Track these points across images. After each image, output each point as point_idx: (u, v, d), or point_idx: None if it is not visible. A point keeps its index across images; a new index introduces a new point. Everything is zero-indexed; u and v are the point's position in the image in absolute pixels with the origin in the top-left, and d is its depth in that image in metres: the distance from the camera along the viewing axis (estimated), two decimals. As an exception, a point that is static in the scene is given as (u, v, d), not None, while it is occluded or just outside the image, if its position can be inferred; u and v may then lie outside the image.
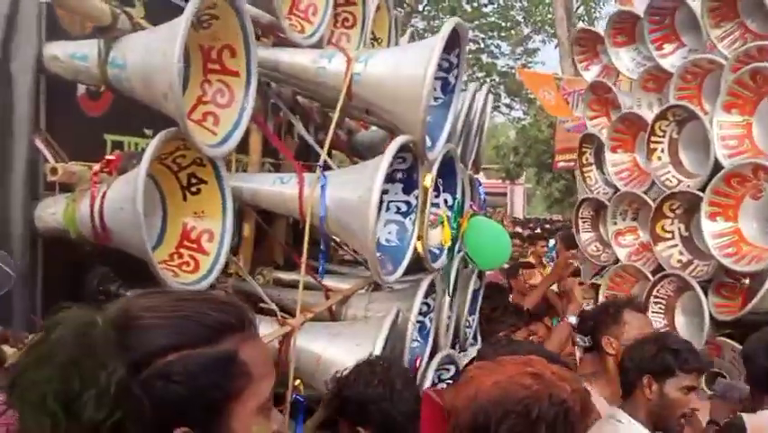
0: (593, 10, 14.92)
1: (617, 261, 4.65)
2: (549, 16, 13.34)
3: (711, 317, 3.83)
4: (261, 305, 2.70)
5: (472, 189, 3.83)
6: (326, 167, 2.53)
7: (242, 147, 2.96)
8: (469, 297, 3.56)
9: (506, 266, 5.95)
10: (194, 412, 0.86)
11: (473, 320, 3.80)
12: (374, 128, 3.86)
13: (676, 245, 4.18)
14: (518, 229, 12.85)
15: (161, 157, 2.14)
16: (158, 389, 0.83)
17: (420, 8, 17.05)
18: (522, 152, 16.63)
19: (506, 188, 25.50)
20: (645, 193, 4.48)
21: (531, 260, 7.85)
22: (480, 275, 3.75)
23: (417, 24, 17.03)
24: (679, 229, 4.17)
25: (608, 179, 4.82)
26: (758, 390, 2.66)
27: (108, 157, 2.21)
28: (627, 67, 4.81)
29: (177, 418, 0.85)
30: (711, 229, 3.74)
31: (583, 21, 14.16)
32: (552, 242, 9.39)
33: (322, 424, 2.32)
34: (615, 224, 4.66)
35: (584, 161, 5.22)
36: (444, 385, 2.92)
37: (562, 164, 9.77)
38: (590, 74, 5.32)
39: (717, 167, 3.82)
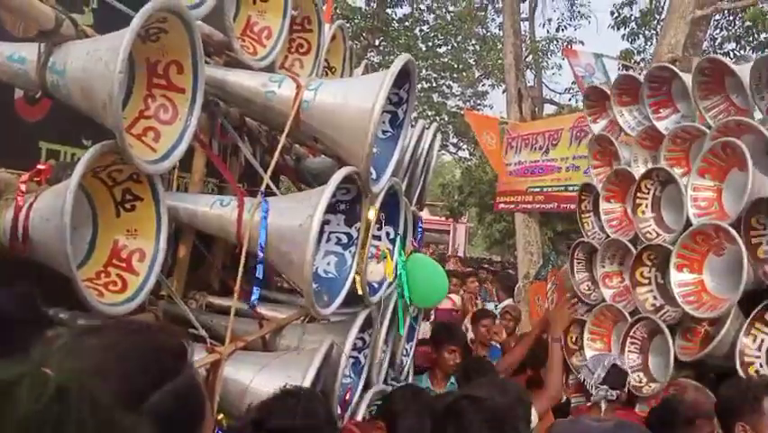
0: (541, 59, 15.49)
1: (604, 300, 5.06)
2: (499, 62, 13.75)
3: (676, 359, 4.18)
4: (191, 330, 2.61)
5: (414, 226, 3.85)
6: (269, 192, 2.49)
7: (186, 165, 2.89)
8: (405, 331, 3.53)
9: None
10: None
11: (410, 348, 3.79)
12: (323, 156, 3.85)
13: (651, 291, 4.57)
14: (458, 267, 12.98)
15: (96, 170, 2.05)
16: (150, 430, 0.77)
17: (377, 43, 17.30)
18: (466, 191, 16.87)
19: (449, 225, 25.84)
20: (631, 241, 4.85)
21: (462, 296, 7.94)
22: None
23: (373, 58, 17.27)
24: (655, 277, 4.55)
25: (602, 225, 5.24)
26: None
27: (39, 166, 2.11)
28: (629, 124, 5.17)
29: None
30: (678, 279, 4.14)
31: (531, 69, 14.68)
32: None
33: None
34: (603, 267, 5.07)
35: (583, 208, 5.62)
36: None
37: (502, 205, 9.96)
38: (598, 127, 5.65)
39: (689, 224, 4.21)
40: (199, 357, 2.29)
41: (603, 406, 3.39)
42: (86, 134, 2.58)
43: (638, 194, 4.72)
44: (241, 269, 2.33)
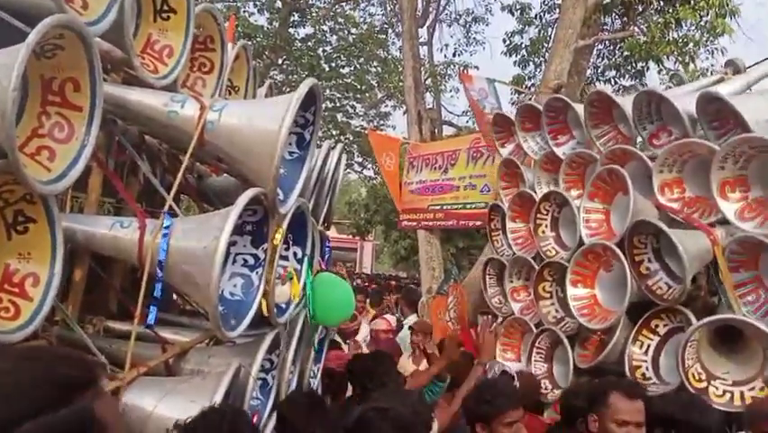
0: (439, 83, 16.02)
1: (513, 313, 5.44)
2: (400, 84, 14.11)
3: (576, 366, 4.56)
4: (89, 357, 2.49)
5: (322, 245, 3.87)
6: (172, 214, 2.44)
7: (81, 185, 2.77)
8: (314, 348, 3.54)
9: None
10: None
11: (318, 370, 3.78)
12: (225, 174, 3.80)
13: (553, 304, 4.97)
14: (363, 284, 13.06)
15: (-16, 191, 1.95)
16: None
17: (279, 61, 17.23)
18: (372, 209, 17.06)
19: (356, 243, 25.95)
20: (534, 258, 5.25)
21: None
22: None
23: (276, 77, 17.15)
24: (556, 291, 4.94)
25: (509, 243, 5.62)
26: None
27: None
28: (533, 149, 5.59)
29: None
30: (573, 293, 4.53)
31: (430, 91, 15.16)
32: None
33: None
34: (511, 282, 5.52)
35: (492, 227, 6.03)
36: None
37: (405, 223, 10.17)
38: (505, 151, 6.05)
39: (582, 243, 4.60)
40: (98, 385, 2.20)
41: None
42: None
43: (538, 215, 5.16)
44: (142, 292, 2.27)
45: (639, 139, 4.63)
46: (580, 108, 5.00)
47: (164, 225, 2.20)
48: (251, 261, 2.57)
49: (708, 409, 3.21)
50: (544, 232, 5.15)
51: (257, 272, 2.57)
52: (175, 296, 3.89)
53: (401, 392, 2.69)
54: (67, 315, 2.50)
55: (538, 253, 5.21)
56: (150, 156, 3.34)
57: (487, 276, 5.93)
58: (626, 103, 4.62)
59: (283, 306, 2.83)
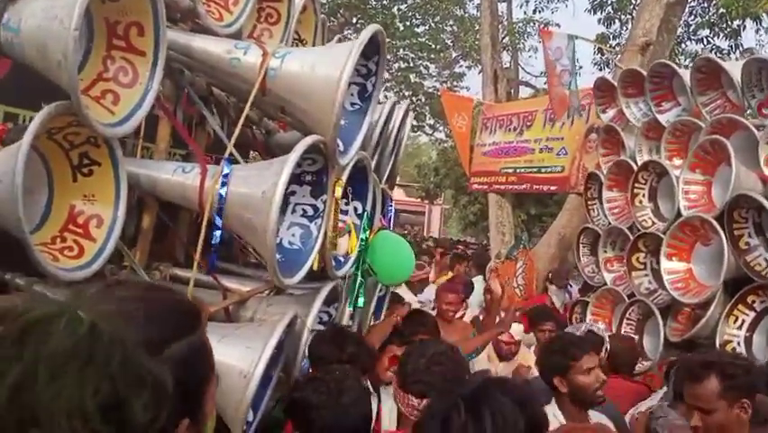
0: (517, 41, 15.45)
1: (606, 283, 5.39)
2: (476, 43, 13.72)
3: (667, 339, 4.51)
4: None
5: (384, 204, 3.82)
6: (234, 161, 2.44)
7: (151, 135, 2.82)
8: (373, 305, 3.53)
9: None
10: (191, 399, 0.88)
11: (377, 325, 3.78)
12: (294, 131, 3.79)
13: (647, 275, 4.91)
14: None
15: (52, 131, 2.00)
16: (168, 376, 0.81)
17: (354, 20, 17.11)
18: (442, 173, 16.87)
19: (424, 207, 25.87)
20: (630, 229, 5.16)
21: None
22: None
23: (351, 36, 17.04)
24: (651, 262, 4.86)
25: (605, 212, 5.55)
26: None
27: (-8, 127, 2.05)
28: (635, 116, 5.40)
29: (179, 408, 0.83)
30: (667, 266, 4.45)
31: (507, 50, 14.66)
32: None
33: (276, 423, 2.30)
34: (605, 252, 5.46)
35: (588, 196, 5.93)
36: None
37: (476, 186, 9.98)
38: (607, 116, 5.86)
39: (680, 216, 4.49)
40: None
41: None
42: (46, 99, 2.50)
43: (636, 184, 5.01)
44: (202, 236, 2.29)
45: (749, 108, 4.38)
46: (686, 74, 4.78)
47: (223, 173, 2.20)
48: (311, 211, 2.56)
49: None
50: (641, 202, 5.03)
51: (316, 223, 2.55)
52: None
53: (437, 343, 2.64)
54: (132, 259, 2.57)
55: (634, 223, 5.09)
56: (219, 109, 3.37)
57: (581, 245, 5.88)
58: (735, 69, 4.37)
59: (341, 259, 2.82)
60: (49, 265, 1.88)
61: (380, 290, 3.74)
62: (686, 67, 4.91)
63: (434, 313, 5.02)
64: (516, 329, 5.41)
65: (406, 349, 2.40)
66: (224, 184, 2.19)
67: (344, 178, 2.71)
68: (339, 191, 2.66)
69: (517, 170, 8.92)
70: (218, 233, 2.23)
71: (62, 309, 0.76)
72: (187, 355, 0.86)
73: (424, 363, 2.16)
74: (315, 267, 2.59)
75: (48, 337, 0.72)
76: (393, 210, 4.54)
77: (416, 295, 6.08)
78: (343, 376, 2.00)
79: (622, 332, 4.85)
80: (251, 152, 4.18)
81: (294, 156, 2.13)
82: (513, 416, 1.38)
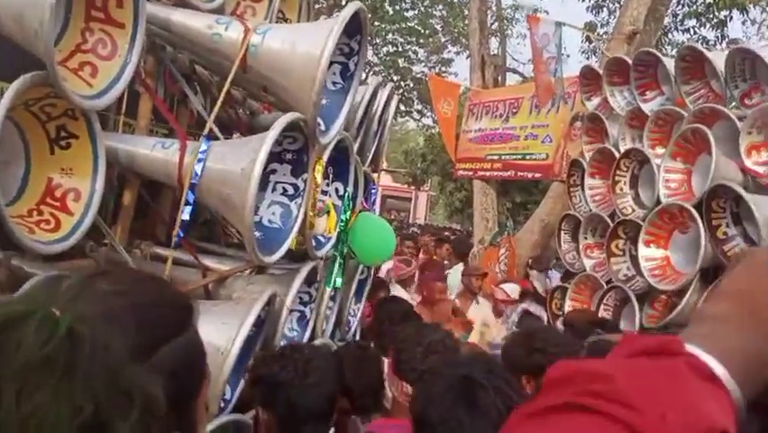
0: (506, 27, 15.45)
1: (585, 270, 5.46)
2: (465, 29, 13.69)
3: (642, 325, 4.59)
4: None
5: (366, 186, 3.82)
6: (213, 137, 2.43)
7: (132, 111, 2.80)
8: (354, 287, 3.54)
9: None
10: (182, 410, 0.80)
11: (358, 309, 3.80)
12: (278, 111, 3.77)
13: (625, 262, 4.97)
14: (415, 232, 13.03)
15: (28, 103, 1.97)
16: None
17: (343, 2, 16.98)
18: (429, 159, 16.88)
19: (411, 193, 25.90)
20: (611, 216, 5.23)
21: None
22: (368, 265, 3.74)
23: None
24: (630, 249, 4.92)
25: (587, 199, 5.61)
26: None
27: (-33, 97, 2.02)
28: (619, 104, 5.45)
29: (168, 421, 0.72)
30: (644, 253, 4.52)
31: (496, 36, 14.65)
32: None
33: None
34: (586, 238, 5.53)
35: (571, 183, 5.97)
36: None
37: (461, 172, 10.00)
38: (592, 104, 5.91)
39: (659, 203, 4.55)
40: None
41: None
42: (28, 70, 2.47)
43: (617, 171, 5.07)
44: (179, 214, 2.28)
45: (732, 99, 4.44)
46: (670, 63, 4.83)
47: (200, 149, 2.19)
48: (291, 190, 2.56)
49: None
50: (622, 189, 5.09)
51: (296, 202, 2.55)
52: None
53: (425, 326, 2.64)
54: (112, 237, 2.55)
55: (615, 210, 5.16)
56: (202, 87, 3.34)
57: (562, 232, 5.95)
58: (719, 59, 4.42)
59: (322, 239, 2.82)
60: (25, 238, 1.86)
61: (362, 273, 3.75)
62: (672, 56, 4.93)
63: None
64: (511, 288, 5.58)
65: (400, 335, 2.37)
66: (200, 160, 2.18)
67: (325, 157, 2.71)
68: (320, 170, 2.66)
69: (502, 157, 8.94)
70: (188, 208, 2.22)
71: (33, 308, 0.62)
72: (178, 360, 0.77)
73: (421, 351, 2.14)
74: (294, 247, 2.59)
75: (15, 344, 0.59)
76: (377, 193, 4.54)
77: (406, 290, 6.09)
78: (312, 355, 2.00)
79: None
80: (235, 133, 4.17)
81: (273, 133, 2.13)
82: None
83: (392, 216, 19.80)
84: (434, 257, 8.12)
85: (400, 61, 18.31)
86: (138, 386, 0.64)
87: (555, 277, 6.59)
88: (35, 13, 1.75)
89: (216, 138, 2.45)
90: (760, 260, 0.65)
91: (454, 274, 6.31)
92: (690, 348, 0.56)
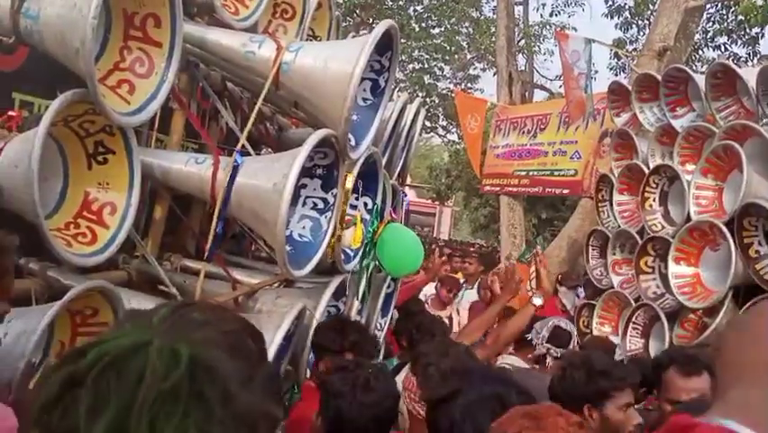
0: (533, 44, 15.42)
1: (613, 286, 5.37)
2: (492, 45, 13.71)
3: (672, 344, 4.44)
4: (162, 288, 2.60)
5: (395, 198, 3.84)
6: (245, 153, 2.47)
7: (165, 127, 2.86)
8: (381, 301, 3.55)
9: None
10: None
11: (385, 323, 3.80)
12: (306, 127, 3.82)
13: (654, 279, 4.89)
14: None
15: (68, 119, 2.03)
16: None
17: (370, 20, 17.15)
18: (454, 174, 16.84)
19: (435, 208, 25.83)
20: (639, 232, 5.16)
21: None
22: (395, 279, 3.74)
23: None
24: (659, 267, 4.85)
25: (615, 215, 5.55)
26: None
27: (10, 113, 2.09)
28: (649, 120, 5.40)
29: None
30: (674, 270, 4.45)
31: (523, 53, 14.63)
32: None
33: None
34: (614, 254, 5.46)
35: (600, 198, 5.93)
36: None
37: (488, 188, 9.97)
38: (621, 120, 5.85)
39: (689, 220, 4.49)
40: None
41: (549, 362, 3.39)
42: (62, 88, 2.54)
43: (647, 188, 5.01)
44: (213, 228, 2.31)
45: (764, 116, 4.36)
46: (701, 79, 4.77)
47: (234, 164, 2.22)
48: (321, 204, 2.58)
49: None
50: (651, 206, 5.03)
51: (326, 216, 2.57)
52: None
53: (448, 344, 2.62)
54: (144, 248, 2.60)
55: (644, 227, 5.08)
56: (233, 103, 3.40)
57: (590, 247, 5.88)
58: (751, 75, 4.37)
59: (350, 252, 2.83)
60: (62, 250, 1.91)
61: (389, 287, 3.75)
62: (702, 73, 4.87)
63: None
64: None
65: (418, 351, 2.34)
66: (233, 175, 2.21)
67: (355, 172, 2.73)
68: (349, 184, 2.68)
69: (530, 173, 8.89)
70: (221, 222, 2.25)
71: (145, 339, 0.63)
72: (271, 386, 0.76)
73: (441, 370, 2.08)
74: (327, 259, 2.61)
75: (136, 376, 0.59)
76: (407, 202, 4.55)
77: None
78: (375, 374, 1.98)
79: (628, 336, 4.84)
80: (264, 148, 4.23)
81: (305, 149, 2.15)
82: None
83: (416, 231, 19.74)
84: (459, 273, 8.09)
85: (426, 78, 18.37)
86: (260, 411, 0.65)
87: (583, 295, 6.52)
88: (76, 33, 1.80)
89: (248, 153, 2.49)
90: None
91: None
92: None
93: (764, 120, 4.35)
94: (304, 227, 2.56)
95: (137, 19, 2.15)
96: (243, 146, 2.43)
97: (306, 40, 3.60)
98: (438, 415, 1.69)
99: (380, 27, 2.39)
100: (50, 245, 1.84)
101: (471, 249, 13.17)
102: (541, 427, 1.27)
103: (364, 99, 2.72)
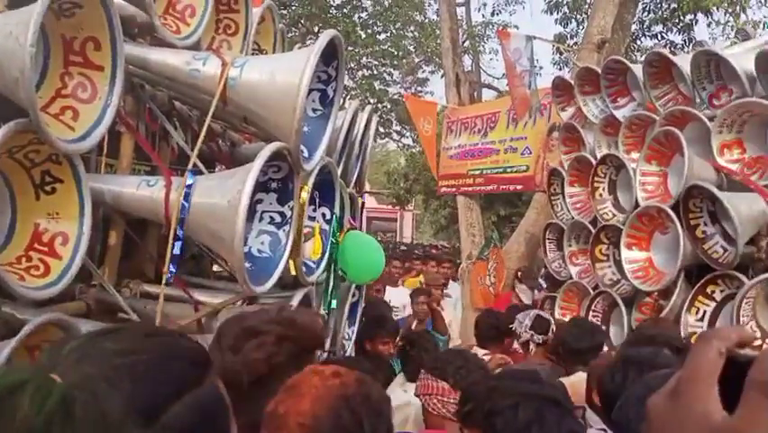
0: (477, 44, 15.66)
1: (572, 277, 5.51)
2: (438, 48, 13.88)
3: (631, 329, 4.59)
4: (122, 315, 2.56)
5: (353, 207, 3.85)
6: (197, 172, 2.45)
7: (114, 151, 2.81)
8: (347, 309, 3.55)
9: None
10: None
11: (352, 332, 3.80)
12: (259, 141, 3.80)
13: (610, 266, 5.03)
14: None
15: (12, 150, 1.98)
16: None
17: (315, 29, 17.16)
18: (411, 178, 16.94)
19: (396, 213, 25.94)
20: (592, 222, 5.28)
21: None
22: (359, 287, 3.75)
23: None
24: (613, 253, 4.97)
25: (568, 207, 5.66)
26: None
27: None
28: (593, 113, 5.53)
29: None
30: (627, 256, 4.57)
31: (468, 53, 14.85)
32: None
33: None
34: (570, 246, 5.57)
35: (552, 191, 6.04)
36: None
37: (444, 189, 10.07)
38: (566, 114, 5.99)
39: (638, 206, 4.62)
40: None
41: (532, 347, 3.78)
42: (3, 119, 2.48)
43: (596, 178, 5.15)
44: (169, 250, 2.28)
45: (701, 100, 4.53)
46: (638, 69, 4.93)
47: (186, 183, 2.20)
48: (278, 218, 2.57)
49: None
50: (601, 195, 5.16)
51: (284, 230, 2.57)
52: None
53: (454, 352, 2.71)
54: (101, 276, 2.55)
55: (596, 216, 5.21)
56: (182, 123, 3.36)
57: (547, 241, 5.99)
58: (685, 62, 4.53)
59: (312, 264, 2.83)
60: (15, 285, 1.86)
61: (353, 296, 3.76)
62: (641, 63, 5.03)
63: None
64: None
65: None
66: (187, 194, 2.19)
67: (310, 183, 2.73)
68: (305, 197, 2.68)
69: (484, 172, 9.02)
70: (178, 243, 2.22)
71: (30, 375, 0.61)
72: (189, 417, 0.73)
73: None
74: (293, 272, 2.60)
75: (12, 412, 0.58)
76: (363, 207, 4.57)
77: None
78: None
79: None
80: (218, 166, 4.19)
81: (258, 163, 2.15)
82: None
83: (378, 238, 19.79)
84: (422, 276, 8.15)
85: (376, 84, 18.47)
86: None
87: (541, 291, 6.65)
88: (15, 62, 1.76)
89: (200, 172, 2.47)
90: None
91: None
92: None
93: (704, 106, 4.53)
94: (263, 243, 2.54)
95: (76, 44, 2.11)
96: (195, 165, 2.41)
97: (252, 54, 3.59)
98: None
99: (324, 37, 2.40)
100: (1, 281, 1.79)
101: (434, 251, 13.27)
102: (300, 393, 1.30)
103: (314, 110, 2.72)
